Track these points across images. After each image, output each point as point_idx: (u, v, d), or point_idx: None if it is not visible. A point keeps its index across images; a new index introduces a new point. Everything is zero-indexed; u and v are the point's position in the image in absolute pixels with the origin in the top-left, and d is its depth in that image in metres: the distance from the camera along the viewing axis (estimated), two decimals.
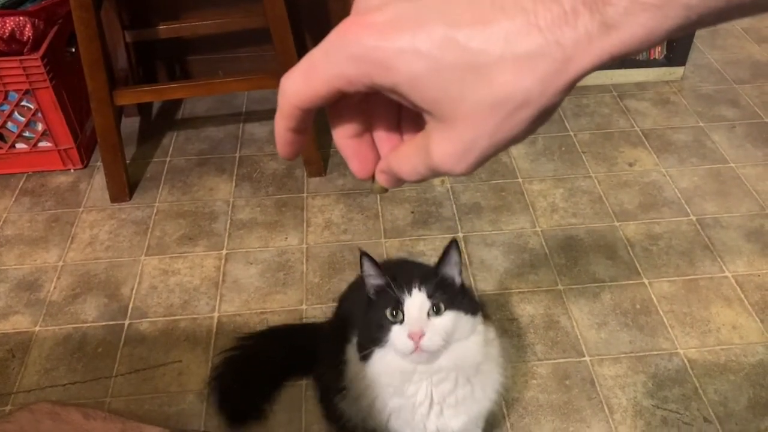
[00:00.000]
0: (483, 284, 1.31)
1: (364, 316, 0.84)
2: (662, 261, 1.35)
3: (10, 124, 1.57)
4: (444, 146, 0.33)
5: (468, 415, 0.88)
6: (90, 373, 1.17)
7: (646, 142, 1.68)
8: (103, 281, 1.35)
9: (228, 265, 1.37)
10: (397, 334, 0.78)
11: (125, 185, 1.54)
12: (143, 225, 1.48)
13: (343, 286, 1.18)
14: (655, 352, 1.18)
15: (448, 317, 0.79)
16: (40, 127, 1.58)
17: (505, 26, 0.29)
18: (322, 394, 1.08)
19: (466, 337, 0.81)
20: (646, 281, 1.30)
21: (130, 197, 1.56)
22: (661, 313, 1.24)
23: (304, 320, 1.25)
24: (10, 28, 1.44)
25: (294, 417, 1.10)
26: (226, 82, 1.56)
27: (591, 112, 1.79)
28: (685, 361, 1.16)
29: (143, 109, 1.83)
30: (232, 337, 1.22)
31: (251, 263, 1.37)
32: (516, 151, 1.64)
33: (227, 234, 1.45)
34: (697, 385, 1.12)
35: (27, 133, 1.59)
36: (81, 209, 1.53)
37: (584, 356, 1.17)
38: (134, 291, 1.33)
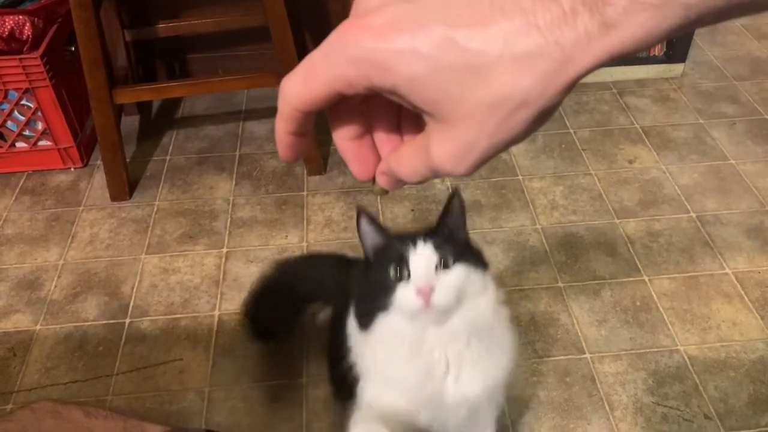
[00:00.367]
0: None
1: (362, 280, 0.77)
2: (662, 258, 1.35)
3: (10, 123, 1.57)
4: (444, 147, 0.33)
5: (486, 379, 0.80)
6: (91, 372, 1.17)
7: (646, 139, 1.68)
8: (103, 280, 1.35)
9: (228, 263, 1.37)
10: (404, 292, 0.71)
11: (125, 184, 1.54)
12: (143, 223, 1.48)
13: None
14: (656, 349, 1.18)
15: (459, 271, 0.73)
16: (40, 125, 1.58)
17: (504, 27, 0.29)
18: (330, 366, 1.03)
19: (477, 296, 0.75)
20: (646, 278, 1.30)
21: (130, 196, 1.56)
22: (661, 310, 1.24)
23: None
24: (9, 26, 1.44)
25: (295, 414, 1.10)
26: (225, 80, 1.55)
27: (591, 110, 1.79)
28: (686, 357, 1.16)
29: (143, 107, 1.83)
30: (233, 335, 1.22)
31: (251, 261, 1.37)
32: (516, 148, 1.64)
33: (227, 232, 1.45)
34: (698, 381, 1.12)
35: (27, 132, 1.59)
36: (81, 208, 1.54)
37: (585, 353, 1.17)
38: (135, 289, 1.33)
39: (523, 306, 1.26)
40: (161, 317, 1.27)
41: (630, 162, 1.61)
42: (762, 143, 1.65)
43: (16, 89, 1.51)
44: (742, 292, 1.27)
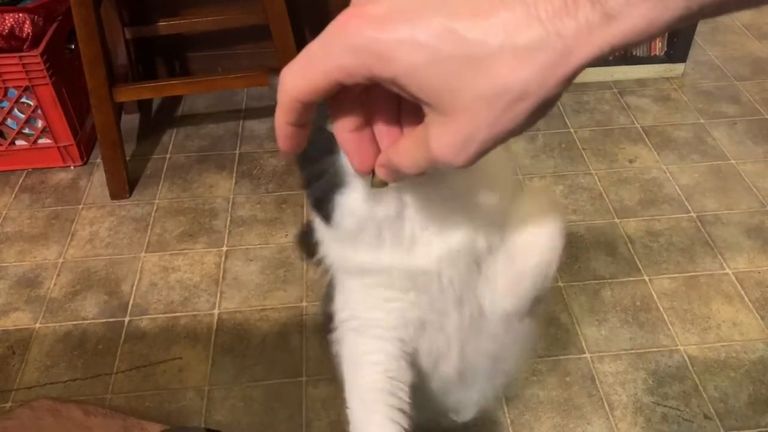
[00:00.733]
0: None
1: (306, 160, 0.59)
2: (662, 258, 1.35)
3: (9, 121, 1.56)
4: (443, 138, 0.33)
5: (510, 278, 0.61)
6: (90, 370, 1.17)
7: (647, 139, 1.67)
8: (103, 278, 1.35)
9: (228, 262, 1.37)
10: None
11: (125, 182, 1.54)
12: (143, 222, 1.48)
13: None
14: (656, 349, 1.18)
15: None
16: (39, 123, 1.57)
17: (504, 18, 0.28)
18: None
19: None
20: (646, 278, 1.30)
21: (130, 194, 1.55)
22: (661, 309, 1.24)
23: None
24: (9, 24, 1.44)
25: (294, 413, 1.10)
26: (225, 78, 1.55)
27: (591, 109, 1.79)
28: (686, 357, 1.16)
29: (143, 105, 1.83)
30: (233, 334, 1.22)
31: (251, 260, 1.37)
32: (516, 147, 1.64)
33: (227, 231, 1.45)
34: (698, 381, 1.12)
35: (27, 130, 1.59)
36: (81, 206, 1.53)
37: (584, 353, 1.17)
38: (134, 288, 1.33)
39: None
40: (161, 316, 1.27)
41: (630, 161, 1.61)
42: (762, 143, 1.64)
43: (16, 87, 1.51)
44: (743, 293, 1.27)
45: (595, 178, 1.55)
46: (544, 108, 0.31)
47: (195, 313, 1.27)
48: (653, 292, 1.28)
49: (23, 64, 1.46)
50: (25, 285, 1.34)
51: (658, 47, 1.87)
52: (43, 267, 1.38)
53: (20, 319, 1.27)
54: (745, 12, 1.78)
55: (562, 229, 0.62)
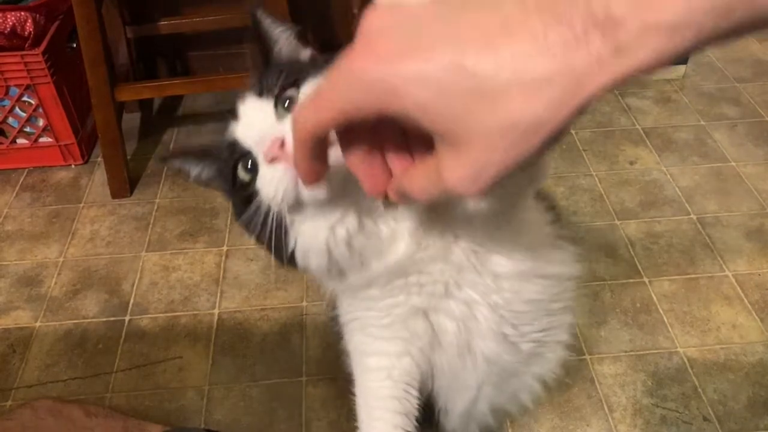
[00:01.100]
0: None
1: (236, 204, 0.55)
2: (662, 260, 1.35)
3: (11, 120, 1.57)
4: (456, 170, 0.33)
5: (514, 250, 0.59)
6: (90, 369, 1.17)
7: (647, 141, 1.68)
8: (103, 277, 1.35)
9: (229, 261, 1.37)
10: (263, 174, 0.49)
11: (126, 181, 1.54)
12: (144, 221, 1.48)
13: None
14: (655, 351, 1.18)
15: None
16: (41, 122, 1.58)
17: (514, 50, 0.28)
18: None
19: None
20: (646, 280, 1.30)
21: (131, 193, 1.56)
22: (661, 311, 1.24)
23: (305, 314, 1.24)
24: (11, 23, 1.44)
25: (294, 413, 1.10)
26: (226, 78, 1.55)
27: (592, 110, 1.79)
28: (685, 359, 1.16)
29: (144, 104, 1.83)
30: (233, 333, 1.22)
31: (252, 260, 1.37)
32: None
33: (228, 230, 1.45)
34: (697, 383, 1.12)
35: (28, 129, 1.59)
36: (82, 205, 1.53)
37: (584, 354, 1.17)
38: (135, 287, 1.33)
39: None
40: (161, 315, 1.27)
41: (631, 163, 1.61)
42: (763, 145, 1.64)
43: (18, 85, 1.51)
44: (742, 295, 1.27)
45: (596, 179, 1.55)
46: (555, 138, 0.31)
47: (195, 312, 1.27)
48: (653, 294, 1.28)
49: (25, 63, 1.46)
50: (26, 284, 1.34)
51: None
52: (44, 266, 1.38)
53: (21, 318, 1.27)
54: None
55: None
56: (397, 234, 0.54)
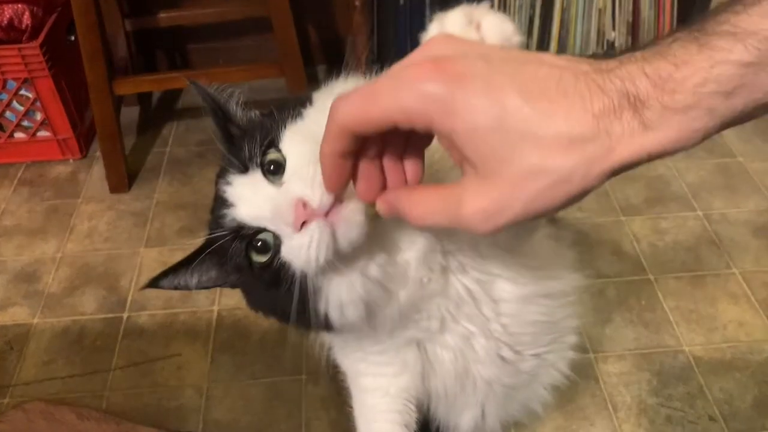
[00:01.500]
0: None
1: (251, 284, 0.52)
2: (668, 257, 1.33)
3: (8, 113, 1.55)
4: (478, 201, 0.34)
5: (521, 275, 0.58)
6: (88, 366, 1.16)
7: None
8: (101, 273, 1.34)
9: None
10: (291, 243, 0.45)
11: (124, 176, 1.53)
12: (142, 216, 1.47)
13: None
14: (660, 350, 1.16)
15: (298, 154, 0.47)
16: (38, 116, 1.56)
17: (565, 107, 0.32)
18: None
19: None
20: (651, 277, 1.29)
21: (129, 188, 1.54)
22: (666, 309, 1.23)
23: None
24: (8, 15, 1.43)
25: (294, 411, 1.09)
26: (226, 71, 1.54)
27: None
28: (691, 358, 1.15)
29: (143, 98, 1.81)
30: (232, 331, 1.21)
31: None
32: None
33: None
34: (702, 383, 1.11)
35: (26, 123, 1.57)
36: (80, 200, 1.52)
37: (588, 353, 1.16)
38: (133, 283, 1.31)
39: None
40: (159, 312, 1.25)
41: None
42: None
43: (15, 79, 1.49)
44: (749, 293, 1.25)
45: None
46: (579, 196, 0.34)
47: (194, 309, 1.25)
48: (658, 292, 1.26)
49: (22, 56, 1.45)
50: (24, 279, 1.33)
51: None
52: (42, 261, 1.37)
53: (18, 314, 1.26)
54: None
55: None
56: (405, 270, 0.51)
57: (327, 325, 0.50)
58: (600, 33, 1.79)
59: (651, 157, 0.32)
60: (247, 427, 1.07)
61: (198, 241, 0.53)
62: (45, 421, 0.55)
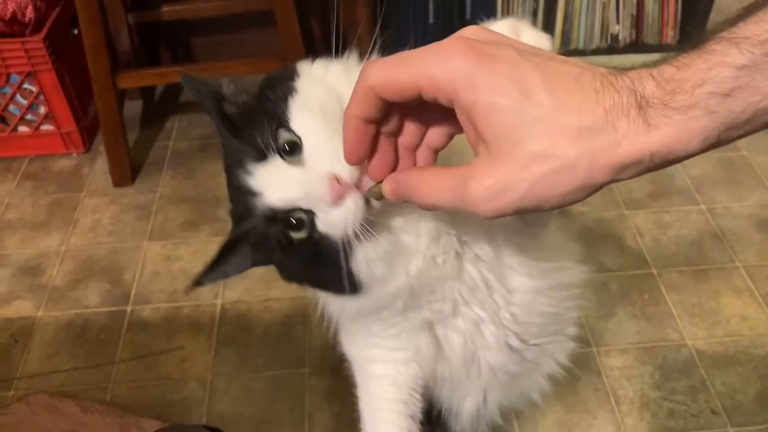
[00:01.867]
0: None
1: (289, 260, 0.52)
2: (671, 251, 1.33)
3: (12, 107, 1.55)
4: (485, 179, 0.36)
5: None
6: (92, 359, 1.16)
7: None
8: (105, 267, 1.34)
9: None
10: (326, 219, 0.46)
11: (128, 169, 1.53)
12: (146, 210, 1.47)
13: None
14: (663, 343, 1.16)
15: (312, 130, 0.47)
16: (42, 110, 1.56)
17: (580, 98, 0.34)
18: None
19: None
20: (654, 271, 1.29)
21: (133, 182, 1.54)
22: (669, 303, 1.23)
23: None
24: (11, 9, 1.42)
25: (297, 404, 1.09)
26: (229, 64, 1.54)
27: None
28: (693, 352, 1.15)
29: (146, 92, 1.81)
30: (236, 324, 1.21)
31: None
32: None
33: (230, 220, 1.43)
34: (705, 376, 1.11)
35: (29, 116, 1.57)
36: (83, 193, 1.52)
37: (591, 346, 1.16)
38: (137, 277, 1.32)
39: None
40: (163, 305, 1.26)
41: None
42: None
43: (19, 73, 1.49)
44: (752, 287, 1.25)
45: None
46: (582, 189, 0.35)
47: (197, 302, 1.26)
48: (661, 286, 1.26)
49: (26, 50, 1.45)
50: (28, 273, 1.34)
51: (670, 35, 1.83)
52: (46, 255, 1.37)
53: (22, 308, 1.27)
54: None
55: None
56: (416, 249, 0.53)
57: (357, 286, 0.51)
58: (604, 26, 1.78)
59: (654, 158, 0.33)
60: (250, 420, 1.07)
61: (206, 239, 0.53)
62: (49, 414, 0.55)
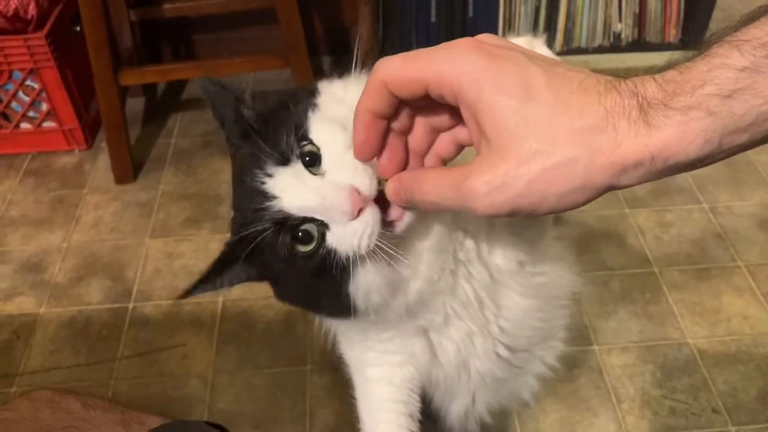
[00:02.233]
0: None
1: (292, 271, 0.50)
2: (673, 249, 1.33)
3: (14, 104, 1.55)
4: (485, 173, 0.36)
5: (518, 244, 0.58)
6: (94, 356, 1.17)
7: None
8: (107, 263, 1.34)
9: None
10: (340, 233, 0.45)
11: (130, 166, 1.53)
12: (148, 207, 1.47)
13: None
14: (664, 342, 1.16)
15: (331, 143, 0.47)
16: (44, 107, 1.56)
17: (583, 99, 0.35)
18: None
19: None
20: (656, 270, 1.28)
21: (135, 179, 1.54)
22: (671, 302, 1.23)
23: None
24: (14, 6, 1.42)
25: (298, 401, 1.09)
26: (231, 62, 1.53)
27: None
28: (695, 351, 1.15)
29: (148, 89, 1.81)
30: (237, 321, 1.21)
31: None
32: None
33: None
34: (706, 375, 1.11)
35: (31, 113, 1.58)
36: (85, 190, 1.52)
37: (593, 345, 1.16)
38: (138, 274, 1.32)
39: None
40: (165, 302, 1.26)
41: None
42: None
43: (21, 69, 1.50)
44: (754, 286, 1.25)
45: None
46: (579, 191, 0.35)
47: (199, 300, 1.26)
48: (663, 284, 1.26)
49: (28, 47, 1.45)
50: (30, 269, 1.34)
51: (672, 34, 1.83)
52: (48, 251, 1.38)
53: (25, 304, 1.27)
54: None
55: None
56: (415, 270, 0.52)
57: (352, 309, 0.50)
58: (606, 25, 1.77)
59: (655, 160, 0.33)
60: (251, 417, 1.07)
61: (200, 243, 0.53)
62: (50, 410, 0.55)
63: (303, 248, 0.47)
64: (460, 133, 0.42)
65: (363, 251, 0.45)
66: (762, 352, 1.14)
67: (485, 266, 0.57)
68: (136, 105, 1.77)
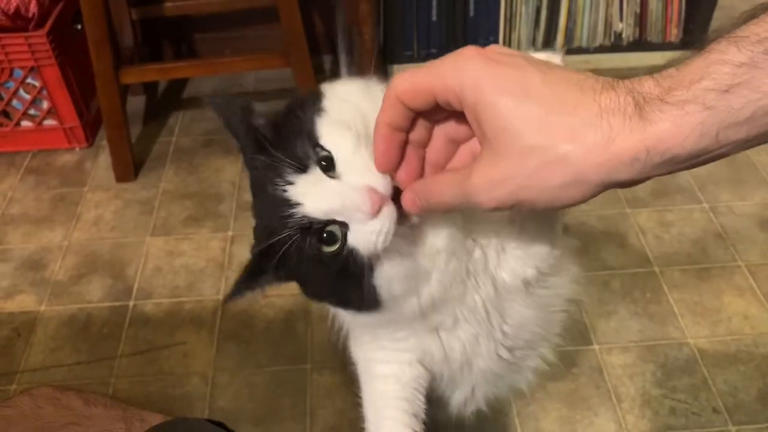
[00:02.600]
0: None
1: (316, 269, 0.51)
2: (674, 249, 1.33)
3: (15, 102, 1.55)
4: (486, 172, 0.38)
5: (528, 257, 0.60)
6: (95, 354, 1.17)
7: None
8: (108, 262, 1.34)
9: (234, 247, 1.36)
10: (361, 231, 0.47)
11: (130, 165, 1.53)
12: (148, 205, 1.47)
13: None
14: (665, 342, 1.16)
15: (342, 146, 0.49)
16: (45, 104, 1.56)
17: (578, 97, 0.36)
18: None
19: None
20: (656, 269, 1.28)
21: (136, 177, 1.54)
22: (671, 301, 1.23)
23: None
24: (15, 3, 1.42)
25: (299, 400, 1.09)
26: (232, 61, 1.54)
27: None
28: (695, 350, 1.15)
29: (149, 87, 1.81)
30: (238, 319, 1.21)
31: None
32: None
33: (233, 216, 1.44)
34: (707, 375, 1.11)
35: (32, 111, 1.58)
36: (86, 188, 1.52)
37: (593, 344, 1.16)
38: (139, 272, 1.32)
39: None
40: (165, 300, 1.26)
41: None
42: None
43: (22, 67, 1.50)
44: (754, 285, 1.25)
45: None
46: (573, 186, 0.36)
47: (200, 298, 1.26)
48: (663, 284, 1.26)
49: (29, 45, 1.45)
50: (30, 267, 1.34)
51: (673, 33, 1.83)
52: (48, 249, 1.38)
53: (25, 302, 1.27)
54: None
55: None
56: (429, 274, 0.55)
57: (377, 303, 0.52)
58: (607, 24, 1.77)
59: (651, 155, 0.34)
60: (252, 416, 1.07)
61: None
62: (52, 407, 0.55)
63: (328, 249, 0.49)
64: (475, 142, 0.43)
65: (383, 246, 0.48)
66: (762, 351, 1.14)
67: (491, 279, 0.59)
68: (137, 103, 1.77)
